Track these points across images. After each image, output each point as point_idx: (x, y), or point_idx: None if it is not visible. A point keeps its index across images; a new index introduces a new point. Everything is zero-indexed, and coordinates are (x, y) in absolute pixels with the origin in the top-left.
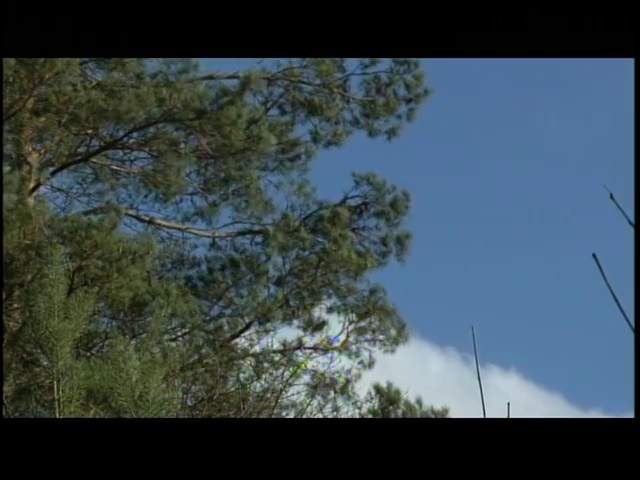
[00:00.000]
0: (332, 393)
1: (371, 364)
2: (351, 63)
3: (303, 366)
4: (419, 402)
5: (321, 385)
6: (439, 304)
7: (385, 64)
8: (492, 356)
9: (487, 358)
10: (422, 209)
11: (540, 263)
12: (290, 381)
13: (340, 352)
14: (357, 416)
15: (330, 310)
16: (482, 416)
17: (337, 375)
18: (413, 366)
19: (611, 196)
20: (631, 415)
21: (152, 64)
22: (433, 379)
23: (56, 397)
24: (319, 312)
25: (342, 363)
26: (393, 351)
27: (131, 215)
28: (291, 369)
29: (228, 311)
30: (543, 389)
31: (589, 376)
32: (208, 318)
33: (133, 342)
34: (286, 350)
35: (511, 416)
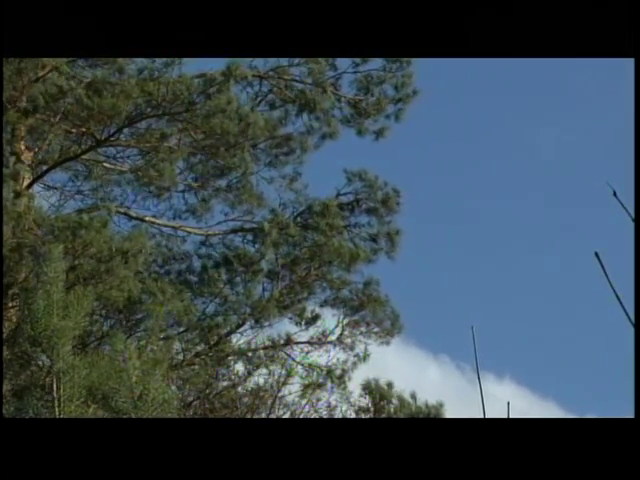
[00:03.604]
0: (328, 385)
1: (366, 357)
2: (343, 62)
3: (294, 373)
4: (413, 397)
5: (316, 380)
6: (432, 309)
7: (377, 62)
8: (487, 363)
9: (481, 365)
10: (417, 210)
11: (539, 264)
12: (285, 380)
13: (335, 346)
14: (352, 412)
15: (324, 304)
16: (482, 417)
17: (333, 367)
18: (410, 374)
19: (614, 193)
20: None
21: (139, 60)
22: (431, 387)
23: (56, 396)
24: (313, 306)
25: (337, 356)
26: (388, 343)
27: (122, 213)
28: (286, 367)
29: (223, 308)
30: (538, 396)
31: (585, 382)
32: (203, 316)
33: (131, 341)
34: (281, 345)
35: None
